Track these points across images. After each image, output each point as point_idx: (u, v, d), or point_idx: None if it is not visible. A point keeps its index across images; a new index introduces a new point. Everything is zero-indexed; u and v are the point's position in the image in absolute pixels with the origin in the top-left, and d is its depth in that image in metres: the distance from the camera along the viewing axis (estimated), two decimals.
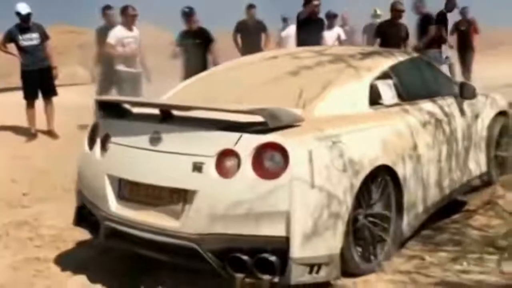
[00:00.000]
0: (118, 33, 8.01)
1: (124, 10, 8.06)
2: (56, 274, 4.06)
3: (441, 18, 10.06)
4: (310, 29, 8.53)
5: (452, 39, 11.14)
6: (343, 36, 10.38)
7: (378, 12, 11.05)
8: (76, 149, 5.33)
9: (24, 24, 7.87)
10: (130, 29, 8.10)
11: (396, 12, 8.96)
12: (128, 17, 8.06)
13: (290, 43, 10.33)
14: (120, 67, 7.99)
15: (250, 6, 9.77)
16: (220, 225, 3.23)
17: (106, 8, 8.56)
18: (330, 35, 10.04)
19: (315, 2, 8.59)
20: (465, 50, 11.10)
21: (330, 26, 10.27)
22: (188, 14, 8.44)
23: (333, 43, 9.92)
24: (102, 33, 8.42)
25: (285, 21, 11.21)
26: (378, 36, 8.96)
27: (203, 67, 8.04)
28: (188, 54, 8.31)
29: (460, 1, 11.10)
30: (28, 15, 7.87)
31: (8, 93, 10.18)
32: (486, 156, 5.20)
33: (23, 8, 7.85)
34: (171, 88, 4.52)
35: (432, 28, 9.35)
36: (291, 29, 10.64)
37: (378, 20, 10.88)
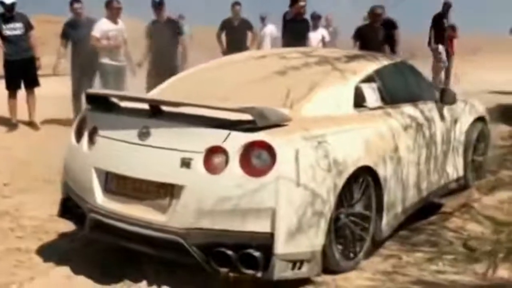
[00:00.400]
0: (103, 26, 8.00)
1: (109, 4, 8.04)
2: (38, 264, 4.07)
3: (438, 21, 10.31)
4: (295, 29, 8.61)
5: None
6: (327, 38, 10.46)
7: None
8: (56, 141, 5.38)
9: (8, 13, 7.82)
10: (115, 22, 8.09)
11: (375, 16, 9.12)
12: (113, 10, 8.04)
13: (266, 42, 10.37)
14: (105, 60, 7.97)
15: (235, 4, 9.73)
16: (206, 220, 3.29)
17: (74, 1, 8.41)
18: (314, 36, 10.12)
19: (301, 3, 8.69)
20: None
21: (315, 27, 10.35)
22: (157, 5, 8.39)
23: (317, 44, 10.00)
24: (69, 26, 8.36)
25: (263, 20, 11.24)
26: (358, 39, 9.08)
27: (171, 59, 8.06)
28: (157, 46, 8.26)
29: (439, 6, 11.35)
30: (13, 4, 7.82)
31: None
32: (463, 160, 5.33)
33: None
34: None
35: (397, 32, 9.48)
36: (268, 29, 10.71)
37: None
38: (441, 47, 11.26)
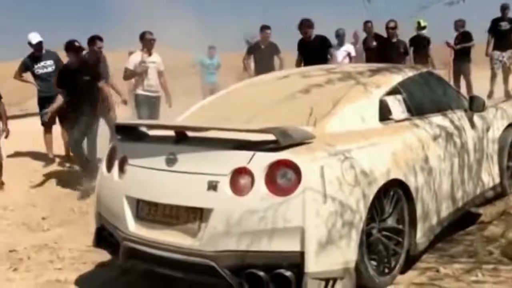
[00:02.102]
0: (136, 58, 8.14)
1: (143, 35, 8.17)
2: None
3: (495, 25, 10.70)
4: (309, 50, 8.56)
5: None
6: (353, 53, 10.43)
7: (422, 24, 10.98)
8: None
9: (37, 53, 8.05)
10: (149, 53, 8.21)
11: (389, 30, 9.22)
12: (146, 42, 8.17)
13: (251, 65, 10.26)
14: (139, 91, 8.09)
15: (264, 27, 9.64)
16: (236, 242, 3.30)
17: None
18: (340, 53, 10.12)
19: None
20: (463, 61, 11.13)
21: (340, 44, 10.37)
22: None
23: (342, 60, 9.99)
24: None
25: (248, 43, 11.15)
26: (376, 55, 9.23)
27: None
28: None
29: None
30: (40, 43, 8.05)
31: (22, 120, 10.37)
32: (498, 167, 5.23)
33: (34, 38, 8.03)
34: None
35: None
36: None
37: (424, 32, 10.94)
38: (498, 53, 11.06)
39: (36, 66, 8.05)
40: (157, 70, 8.23)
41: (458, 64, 11.13)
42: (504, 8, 11.00)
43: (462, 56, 11.10)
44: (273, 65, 9.56)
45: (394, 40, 9.79)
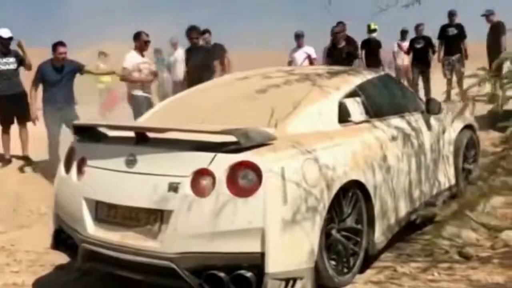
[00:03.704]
0: (133, 58, 7.96)
1: (138, 36, 8.04)
2: None
3: None
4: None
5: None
6: (313, 55, 10.45)
7: (373, 27, 11.21)
8: (50, 175, 5.41)
9: (4, 48, 7.86)
10: (142, 54, 8.09)
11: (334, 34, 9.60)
12: (142, 43, 8.03)
13: (177, 68, 10.18)
14: (138, 92, 7.89)
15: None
16: (196, 243, 3.30)
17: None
18: (299, 54, 10.14)
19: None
20: (423, 65, 11.33)
21: (300, 46, 10.35)
22: None
23: (302, 63, 10.03)
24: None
25: (173, 46, 11.16)
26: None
27: None
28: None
29: (418, 18, 11.40)
30: (10, 39, 7.87)
31: None
32: (454, 168, 5.36)
33: (5, 33, 7.85)
34: None
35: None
36: (178, 54, 10.50)
37: (374, 35, 11.19)
38: (448, 58, 11.23)
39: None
40: (150, 70, 8.14)
41: (418, 68, 11.34)
42: (451, 14, 11.26)
43: (422, 59, 11.30)
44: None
45: (340, 45, 9.78)
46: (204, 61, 8.45)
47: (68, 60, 7.78)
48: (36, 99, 7.75)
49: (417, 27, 11.49)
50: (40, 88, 7.79)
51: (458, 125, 5.50)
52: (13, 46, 8.03)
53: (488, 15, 11.03)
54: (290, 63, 10.01)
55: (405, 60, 12.58)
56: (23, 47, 8.04)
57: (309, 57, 10.21)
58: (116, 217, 3.62)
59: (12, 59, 7.89)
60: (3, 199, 6.77)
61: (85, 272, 4.22)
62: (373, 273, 3.98)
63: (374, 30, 11.27)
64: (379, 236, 4.07)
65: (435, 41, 11.45)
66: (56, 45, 7.67)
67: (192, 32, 8.70)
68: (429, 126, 4.99)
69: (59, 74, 7.67)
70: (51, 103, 7.59)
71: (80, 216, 3.73)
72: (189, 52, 8.91)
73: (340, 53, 9.45)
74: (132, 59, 7.97)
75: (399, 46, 12.50)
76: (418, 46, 11.35)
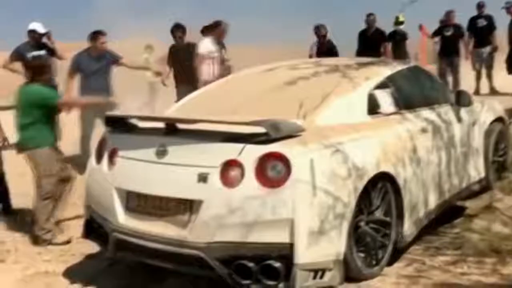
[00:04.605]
0: (209, 45, 7.89)
1: (217, 24, 8.01)
2: (66, 286, 4.14)
3: None
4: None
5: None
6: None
7: (401, 19, 11.07)
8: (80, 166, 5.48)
9: (37, 42, 7.96)
10: (218, 42, 8.01)
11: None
12: (221, 30, 8.02)
13: None
14: (209, 78, 7.58)
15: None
16: (226, 233, 3.33)
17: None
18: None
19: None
20: (452, 55, 10.97)
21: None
22: None
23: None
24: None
25: None
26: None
27: None
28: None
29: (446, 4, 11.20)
30: (44, 34, 7.98)
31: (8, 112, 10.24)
32: (484, 161, 5.29)
33: (40, 27, 7.95)
34: None
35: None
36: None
37: (401, 27, 11.03)
38: (478, 51, 11.04)
39: (30, 56, 7.94)
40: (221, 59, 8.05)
41: (446, 57, 10.99)
42: (480, 5, 11.06)
43: (451, 49, 10.97)
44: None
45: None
46: (189, 59, 8.09)
47: (106, 50, 7.67)
48: (72, 90, 7.55)
49: (448, 14, 11.15)
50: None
51: (489, 117, 5.43)
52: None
53: (508, 7, 10.84)
54: (311, 56, 9.97)
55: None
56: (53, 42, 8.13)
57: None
58: (146, 206, 3.66)
59: (43, 52, 8.00)
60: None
61: (115, 262, 4.29)
62: (402, 266, 3.96)
63: (402, 23, 11.13)
64: (408, 229, 4.05)
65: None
66: (96, 34, 7.53)
67: (178, 30, 8.43)
68: (459, 118, 4.93)
69: (96, 64, 7.53)
70: (87, 94, 7.36)
71: (111, 206, 3.79)
72: (173, 50, 8.57)
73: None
74: (208, 45, 7.87)
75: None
76: (448, 33, 11.01)
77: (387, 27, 11.05)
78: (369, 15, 10.64)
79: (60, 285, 4.18)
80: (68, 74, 7.59)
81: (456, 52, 11.01)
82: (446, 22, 11.20)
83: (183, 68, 8.17)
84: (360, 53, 10.21)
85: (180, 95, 7.36)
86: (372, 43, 10.39)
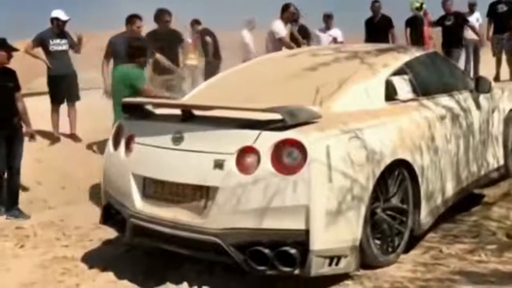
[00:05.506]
0: (280, 26, 8.17)
1: (287, 7, 8.28)
2: (84, 271, 4.19)
3: None
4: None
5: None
6: (340, 38, 10.13)
7: (415, 4, 10.52)
8: (99, 152, 5.52)
9: (60, 30, 8.00)
10: (287, 24, 8.34)
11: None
12: (290, 14, 8.28)
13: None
14: None
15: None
16: (241, 219, 3.33)
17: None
18: (325, 37, 9.99)
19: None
20: (452, 45, 10.49)
21: (328, 28, 10.19)
22: None
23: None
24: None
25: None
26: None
27: None
28: None
29: None
30: (67, 21, 8.02)
31: (29, 99, 10.32)
32: (503, 149, 5.23)
33: (63, 15, 8.00)
34: None
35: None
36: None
37: (420, 13, 10.60)
38: (498, 37, 10.81)
39: (52, 42, 8.00)
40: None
41: (447, 47, 10.44)
42: None
43: (451, 38, 10.49)
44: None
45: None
46: (172, 47, 7.72)
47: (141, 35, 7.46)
48: (108, 74, 7.23)
49: (444, 3, 10.62)
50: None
51: (509, 104, 5.36)
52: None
53: None
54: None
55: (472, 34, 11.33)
56: (81, 40, 8.12)
57: (334, 40, 10.02)
58: (163, 193, 3.68)
59: (64, 41, 8.04)
60: (53, 176, 6.95)
61: (132, 247, 4.32)
62: (419, 254, 3.95)
63: (421, 8, 10.86)
64: (425, 216, 4.02)
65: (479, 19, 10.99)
66: (132, 18, 7.37)
67: (164, 14, 7.85)
68: (478, 105, 4.87)
69: None
70: None
71: (128, 192, 3.81)
72: (154, 35, 7.83)
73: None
74: (281, 26, 8.13)
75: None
76: (448, 23, 10.52)
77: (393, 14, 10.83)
78: (374, 2, 10.34)
79: (78, 270, 4.22)
80: (104, 56, 7.48)
81: (457, 43, 10.50)
82: (445, 12, 10.70)
83: (165, 53, 7.51)
84: (368, 41, 10.02)
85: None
86: (379, 31, 10.07)
